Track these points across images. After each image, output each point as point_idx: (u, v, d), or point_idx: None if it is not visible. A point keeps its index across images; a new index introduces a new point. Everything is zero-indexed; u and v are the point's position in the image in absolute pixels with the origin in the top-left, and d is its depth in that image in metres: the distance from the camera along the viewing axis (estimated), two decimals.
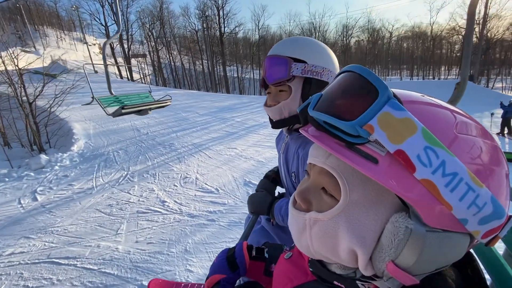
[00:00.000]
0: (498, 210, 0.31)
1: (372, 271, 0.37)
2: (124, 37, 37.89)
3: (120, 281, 2.44)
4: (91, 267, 2.64)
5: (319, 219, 0.39)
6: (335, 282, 0.43)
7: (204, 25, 40.95)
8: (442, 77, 45.08)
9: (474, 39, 29.53)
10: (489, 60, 34.91)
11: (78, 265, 2.68)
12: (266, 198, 1.10)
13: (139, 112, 5.16)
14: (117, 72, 35.51)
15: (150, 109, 5.37)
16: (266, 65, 0.95)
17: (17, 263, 2.79)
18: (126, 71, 35.62)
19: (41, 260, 2.80)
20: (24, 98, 8.03)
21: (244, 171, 4.99)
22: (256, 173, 4.79)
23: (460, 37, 36.35)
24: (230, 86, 42.09)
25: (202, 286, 1.30)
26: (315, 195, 0.42)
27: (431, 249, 0.32)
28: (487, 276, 0.52)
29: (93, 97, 5.02)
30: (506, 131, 8.78)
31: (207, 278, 0.68)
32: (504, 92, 25.72)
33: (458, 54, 42.52)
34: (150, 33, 42.00)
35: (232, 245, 0.68)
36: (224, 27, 41.17)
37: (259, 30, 44.49)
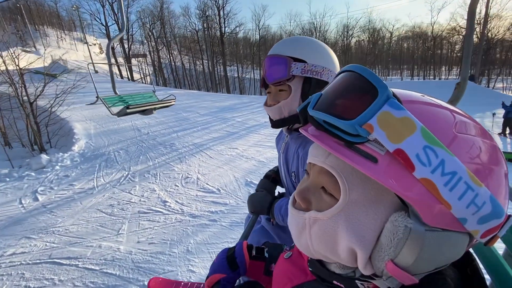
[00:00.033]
0: (497, 209, 0.32)
1: (371, 270, 0.37)
2: (125, 37, 37.86)
3: (122, 281, 2.43)
4: (93, 267, 2.63)
5: (318, 218, 0.39)
6: (335, 282, 0.43)
7: (205, 25, 40.98)
8: (443, 77, 45.05)
9: (475, 39, 29.52)
10: (489, 60, 34.85)
11: (79, 266, 2.67)
12: (266, 197, 1.10)
13: (143, 112, 5.14)
14: (118, 72, 35.52)
15: (155, 108, 5.35)
16: (266, 65, 0.96)
17: (19, 263, 2.78)
18: (127, 70, 35.62)
19: (42, 261, 2.79)
20: (25, 98, 8.03)
21: (245, 171, 4.98)
22: (258, 173, 4.78)
23: (461, 37, 36.31)
24: (230, 86, 42.08)
25: (202, 285, 1.28)
26: (315, 195, 0.42)
27: (430, 248, 0.32)
28: (486, 276, 0.52)
29: (97, 97, 4.99)
30: (507, 131, 8.77)
31: (207, 278, 0.68)
32: (505, 92, 25.68)
33: (458, 54, 42.49)
34: (150, 33, 42.04)
35: (233, 245, 0.69)
36: (225, 27, 41.20)
37: (259, 30, 44.53)
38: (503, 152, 0.37)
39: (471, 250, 0.44)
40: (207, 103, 13.84)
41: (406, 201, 0.32)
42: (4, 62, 8.19)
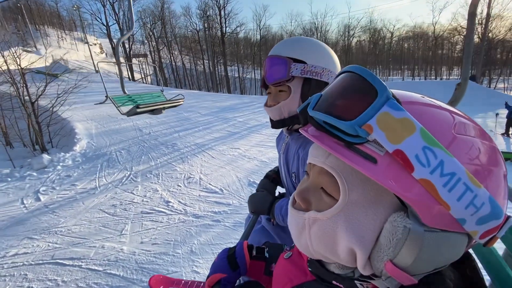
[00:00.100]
0: (496, 210, 0.32)
1: (370, 271, 0.37)
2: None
3: (126, 282, 2.41)
4: (96, 268, 2.61)
5: (318, 218, 0.39)
6: (334, 282, 0.43)
7: (206, 25, 40.98)
8: (444, 77, 45.01)
9: (476, 40, 29.49)
10: (490, 61, 34.81)
11: (83, 266, 2.65)
12: (267, 198, 1.10)
13: (152, 112, 5.12)
14: (118, 72, 35.51)
15: (164, 108, 5.32)
16: (267, 65, 0.96)
17: (21, 264, 2.76)
18: (127, 70, 35.61)
19: (45, 261, 2.77)
20: (27, 97, 8.01)
21: (248, 171, 4.95)
22: (260, 173, 4.75)
23: (462, 37, 36.27)
24: (231, 86, 42.08)
25: (203, 284, 1.27)
26: (315, 195, 0.42)
27: (429, 249, 0.32)
28: (486, 277, 0.51)
29: (107, 96, 4.97)
30: (511, 131, 8.73)
31: (207, 277, 0.68)
32: (506, 93, 25.64)
33: (459, 55, 42.45)
34: (151, 33, 42.03)
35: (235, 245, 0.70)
36: (226, 27, 41.18)
37: (260, 30, 44.49)
38: (502, 152, 0.36)
39: (470, 250, 0.44)
40: (208, 103, 13.83)
41: (405, 201, 0.32)
42: (5, 61, 8.18)
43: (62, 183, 4.89)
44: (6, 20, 40.86)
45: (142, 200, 3.99)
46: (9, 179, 5.13)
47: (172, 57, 43.48)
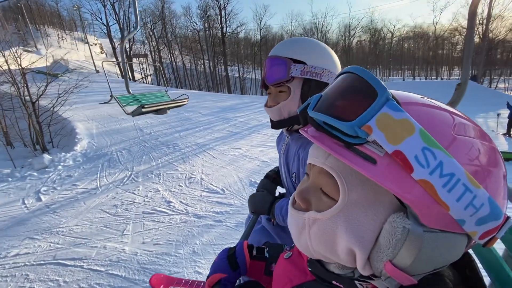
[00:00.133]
0: (495, 211, 0.32)
1: (370, 271, 0.37)
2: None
3: (128, 283, 2.40)
4: (98, 268, 2.60)
5: (318, 218, 0.39)
6: (334, 282, 0.43)
7: (206, 25, 40.95)
8: (445, 77, 45.00)
9: (477, 40, 29.47)
10: (490, 61, 34.77)
11: (84, 267, 2.64)
12: (267, 198, 1.10)
13: (157, 112, 5.08)
14: (119, 72, 35.51)
15: (169, 108, 5.30)
16: (266, 66, 0.96)
17: (23, 264, 2.75)
18: (128, 70, 35.58)
19: (46, 261, 2.76)
20: (27, 97, 8.01)
21: (249, 171, 4.94)
22: (261, 174, 4.74)
23: (463, 37, 36.26)
24: (231, 86, 42.07)
25: (203, 284, 1.27)
26: (315, 195, 0.42)
27: (429, 249, 0.32)
28: (486, 277, 0.51)
29: (111, 96, 4.94)
30: None
31: (208, 277, 0.68)
32: (507, 93, 25.62)
33: (459, 55, 42.45)
34: (151, 33, 42.02)
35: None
36: (226, 27, 41.15)
37: (260, 30, 44.47)
38: (502, 152, 0.35)
39: (470, 250, 0.44)
40: (209, 103, 13.81)
41: (405, 202, 0.32)
42: (6, 61, 8.17)
43: (63, 183, 4.88)
44: (6, 20, 40.85)
45: (144, 200, 3.98)
46: (10, 179, 5.13)
47: (172, 57, 43.45)
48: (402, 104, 0.33)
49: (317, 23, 44.83)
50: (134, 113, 4.70)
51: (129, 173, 5.14)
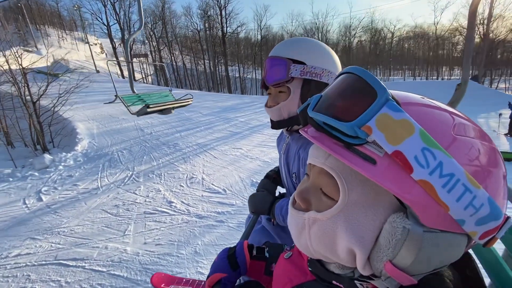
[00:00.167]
0: (495, 211, 0.32)
1: (370, 271, 0.37)
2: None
3: (130, 283, 2.39)
4: (99, 269, 2.59)
5: (318, 218, 0.39)
6: (334, 282, 0.44)
7: (206, 25, 40.95)
8: (446, 77, 44.98)
9: (478, 40, 29.43)
10: (491, 61, 34.72)
11: (86, 267, 2.63)
12: (267, 198, 1.11)
13: (162, 112, 5.06)
14: (119, 72, 35.49)
15: (174, 108, 5.28)
16: (266, 66, 0.97)
17: (24, 264, 2.74)
18: (129, 70, 35.56)
19: (48, 262, 2.75)
20: (28, 97, 8.00)
21: (251, 171, 4.93)
22: (263, 174, 4.69)
23: (463, 37, 36.21)
24: (232, 86, 42.05)
25: (203, 283, 1.26)
26: (315, 195, 0.42)
27: (429, 249, 0.32)
28: (486, 277, 0.51)
29: (116, 95, 4.92)
30: None
31: (208, 277, 0.68)
32: (508, 93, 25.58)
33: (460, 55, 42.41)
34: (152, 33, 42.00)
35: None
36: (226, 27, 41.14)
37: (261, 30, 44.45)
38: (502, 152, 0.34)
39: (470, 251, 0.45)
40: (209, 103, 13.80)
41: (405, 202, 0.32)
42: (7, 61, 8.17)
43: (64, 183, 4.87)
44: (6, 20, 40.82)
45: (145, 201, 3.97)
46: (11, 179, 5.12)
47: (173, 57, 43.44)
48: (401, 105, 0.33)
49: (317, 23, 44.85)
50: (139, 113, 4.68)
51: (130, 173, 5.13)
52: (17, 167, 6.08)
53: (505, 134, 8.61)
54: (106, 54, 50.45)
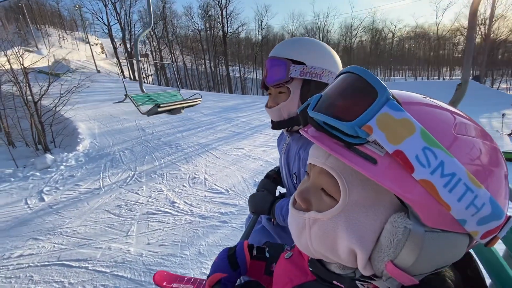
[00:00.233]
0: (497, 210, 0.32)
1: (371, 271, 0.37)
2: (127, 36, 37.91)
3: (134, 284, 2.37)
4: (103, 269, 2.57)
5: (318, 218, 0.39)
6: (335, 282, 0.43)
7: (207, 25, 40.94)
8: (447, 77, 44.95)
9: (479, 40, 29.37)
10: (492, 61, 34.67)
11: (89, 268, 2.61)
12: (267, 197, 1.11)
13: (171, 111, 5.04)
14: (120, 72, 35.48)
15: (183, 107, 5.25)
16: (267, 66, 0.97)
17: (27, 265, 2.72)
18: (129, 70, 35.57)
19: (51, 263, 2.73)
20: (29, 97, 7.99)
21: (253, 171, 4.91)
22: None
23: (464, 37, 36.16)
24: (232, 86, 42.03)
25: (204, 282, 1.26)
26: (315, 195, 0.42)
27: (430, 249, 0.32)
28: (486, 277, 0.51)
29: (126, 95, 4.90)
30: None
31: (208, 277, 0.68)
32: (510, 93, 25.54)
33: (461, 55, 42.37)
34: (152, 33, 41.97)
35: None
36: (227, 27, 41.12)
37: (261, 30, 44.43)
38: (503, 152, 0.33)
39: (471, 251, 0.44)
40: (210, 103, 13.77)
41: (406, 202, 0.32)
42: (8, 60, 8.16)
43: (65, 183, 4.85)
44: (7, 19, 40.83)
45: (147, 201, 3.95)
46: (12, 179, 5.10)
47: (173, 57, 43.42)
48: (402, 104, 0.33)
49: (318, 23, 44.83)
50: (149, 113, 4.66)
51: (132, 173, 5.11)
52: (19, 167, 6.06)
53: (509, 135, 8.58)
54: (106, 54, 50.44)
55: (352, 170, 0.36)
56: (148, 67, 45.19)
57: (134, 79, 33.71)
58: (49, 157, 5.99)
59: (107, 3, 36.23)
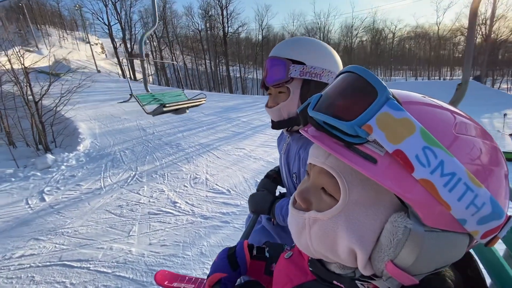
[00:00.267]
0: (497, 210, 0.32)
1: (371, 271, 0.37)
2: (127, 36, 37.90)
3: (135, 285, 2.36)
4: (104, 270, 2.56)
5: (318, 218, 0.39)
6: (335, 282, 0.43)
7: (208, 24, 40.93)
8: (448, 77, 44.94)
9: (480, 40, 29.36)
10: (492, 61, 34.64)
11: (91, 268, 2.60)
12: (267, 197, 1.10)
13: (176, 111, 5.02)
14: (120, 72, 35.47)
15: (188, 107, 5.23)
16: (267, 66, 0.97)
17: (28, 266, 2.71)
18: (129, 70, 35.55)
19: (52, 263, 2.72)
20: (30, 97, 7.98)
21: (255, 171, 4.90)
22: None
23: (465, 37, 36.14)
24: (233, 86, 42.03)
25: (205, 281, 1.26)
26: (315, 195, 0.42)
27: (430, 249, 0.32)
28: (487, 277, 0.51)
29: (131, 95, 4.87)
30: None
31: (208, 276, 0.68)
32: (510, 93, 25.51)
33: (461, 55, 42.35)
34: (153, 33, 41.97)
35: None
36: (228, 27, 41.11)
37: (262, 30, 44.42)
38: (503, 151, 0.32)
39: (471, 251, 0.44)
40: (211, 103, 13.75)
41: (406, 201, 0.32)
42: (9, 60, 8.15)
43: (66, 183, 4.85)
44: (7, 19, 40.83)
45: (149, 201, 3.94)
46: (13, 179, 5.09)
47: (173, 57, 43.42)
48: (402, 103, 0.33)
49: (319, 23, 44.83)
50: (155, 113, 4.64)
51: (133, 173, 5.10)
52: (19, 167, 6.06)
53: (510, 135, 8.57)
54: (106, 54, 50.45)
55: (352, 169, 0.36)
56: (148, 67, 45.23)
57: (135, 79, 33.72)
58: (49, 157, 5.98)
59: (107, 3, 36.19)
